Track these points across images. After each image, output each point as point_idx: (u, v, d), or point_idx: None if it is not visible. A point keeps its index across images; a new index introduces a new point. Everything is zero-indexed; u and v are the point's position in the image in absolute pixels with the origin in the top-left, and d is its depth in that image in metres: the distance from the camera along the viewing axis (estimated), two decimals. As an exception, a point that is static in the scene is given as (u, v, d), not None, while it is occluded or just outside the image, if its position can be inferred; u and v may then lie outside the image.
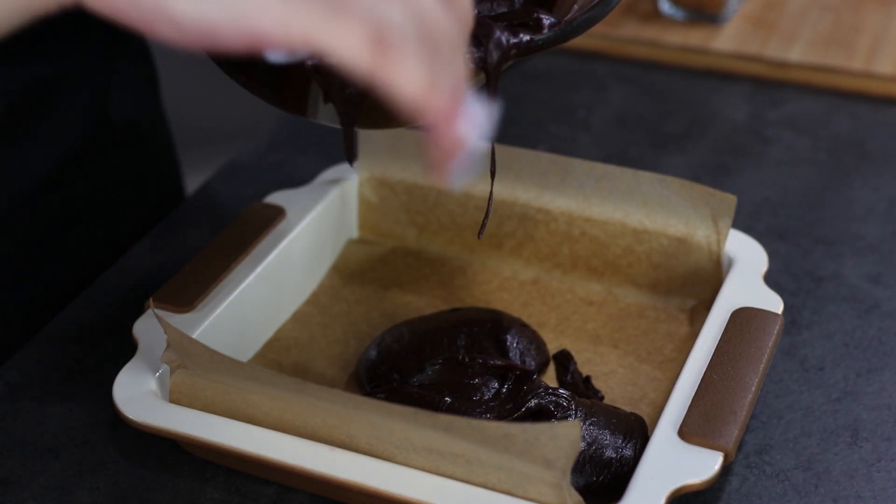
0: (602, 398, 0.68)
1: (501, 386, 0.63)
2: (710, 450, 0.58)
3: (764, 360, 0.64)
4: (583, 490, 0.59)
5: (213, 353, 0.59)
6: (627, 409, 0.65)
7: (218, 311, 0.68)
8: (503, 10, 0.68)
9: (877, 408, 0.68)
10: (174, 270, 0.71)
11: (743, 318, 0.66)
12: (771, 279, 0.73)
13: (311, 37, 0.47)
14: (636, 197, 0.74)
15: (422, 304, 0.76)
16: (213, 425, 0.61)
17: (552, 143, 0.91)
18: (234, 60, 0.62)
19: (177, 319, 0.67)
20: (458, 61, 0.51)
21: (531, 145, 0.87)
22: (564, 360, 0.70)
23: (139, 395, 0.63)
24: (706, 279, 0.73)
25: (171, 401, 0.63)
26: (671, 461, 0.58)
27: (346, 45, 0.47)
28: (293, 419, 0.60)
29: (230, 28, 0.47)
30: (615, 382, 0.69)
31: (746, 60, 1.01)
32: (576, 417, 0.62)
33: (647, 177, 0.73)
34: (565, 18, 0.64)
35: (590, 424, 0.62)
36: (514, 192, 0.76)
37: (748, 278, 0.70)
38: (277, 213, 0.75)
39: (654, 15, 1.06)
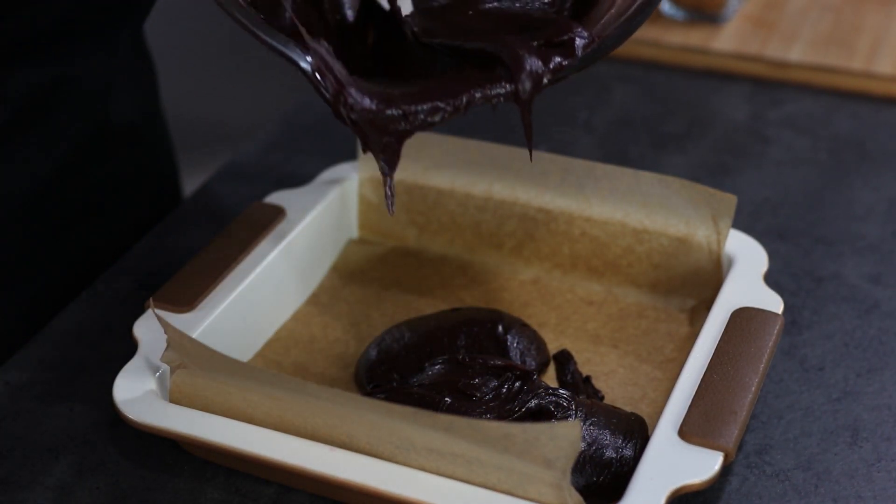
0: (602, 398, 0.68)
1: (501, 386, 0.63)
2: (711, 450, 0.58)
3: (764, 360, 0.64)
4: (583, 490, 0.59)
5: (214, 353, 0.59)
6: (627, 409, 0.65)
7: (218, 311, 0.68)
8: (538, 5, 0.67)
9: (877, 408, 0.68)
10: (174, 270, 0.71)
11: (743, 318, 0.66)
12: (771, 279, 0.73)
13: None
14: (636, 197, 0.74)
15: (422, 304, 0.76)
16: (213, 425, 0.61)
17: (553, 144, 0.91)
18: None
19: (177, 319, 0.67)
20: None
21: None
22: (564, 360, 0.70)
23: (139, 395, 0.63)
24: (706, 279, 0.73)
25: (172, 401, 0.63)
26: (671, 461, 0.58)
27: None
28: (293, 419, 0.60)
29: None
30: (615, 382, 0.69)
31: (746, 60, 1.01)
32: (576, 417, 0.62)
33: (647, 177, 0.73)
34: (599, 34, 0.63)
35: (590, 424, 0.62)
36: (514, 192, 0.76)
37: (748, 278, 0.70)
38: (277, 213, 0.75)
39: (655, 15, 1.06)
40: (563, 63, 0.62)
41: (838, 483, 0.63)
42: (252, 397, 0.60)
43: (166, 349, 0.62)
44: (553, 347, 0.71)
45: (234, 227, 0.74)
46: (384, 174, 0.62)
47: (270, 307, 0.73)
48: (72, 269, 0.81)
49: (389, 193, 0.63)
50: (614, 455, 0.61)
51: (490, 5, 0.67)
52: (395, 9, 0.68)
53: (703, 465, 0.58)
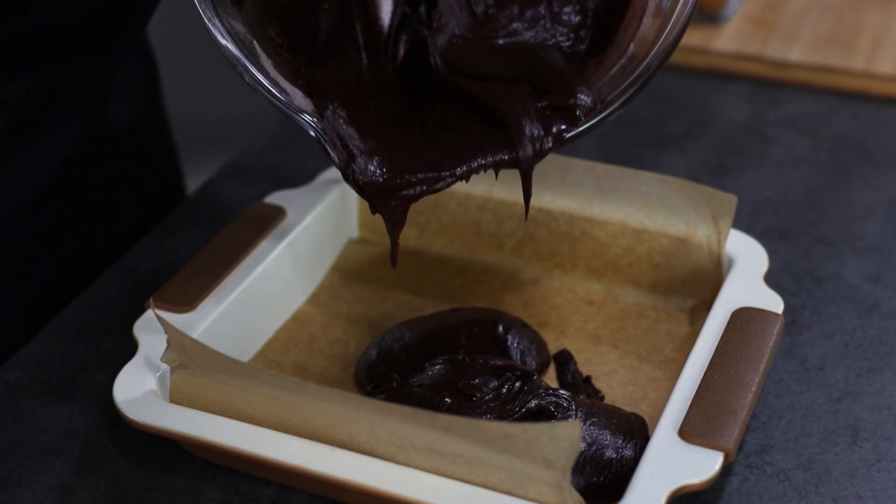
0: (602, 398, 0.68)
1: (502, 386, 0.63)
2: (711, 450, 0.58)
3: (764, 360, 0.64)
4: (583, 490, 0.59)
5: (214, 353, 0.59)
6: (628, 409, 0.65)
7: (218, 311, 0.68)
8: (550, 39, 0.69)
9: (877, 408, 0.68)
10: (174, 270, 0.71)
11: (743, 318, 0.66)
12: (771, 279, 0.73)
13: None
14: (636, 197, 0.74)
15: (422, 304, 0.76)
16: (213, 425, 0.61)
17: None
18: None
19: (177, 319, 0.67)
20: None
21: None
22: (565, 361, 0.70)
23: (139, 395, 0.63)
24: (706, 279, 0.73)
25: (172, 401, 0.63)
26: (671, 461, 0.58)
27: None
28: (293, 419, 0.60)
29: None
30: (615, 382, 0.69)
31: (747, 60, 1.01)
32: (576, 418, 0.62)
33: (647, 177, 0.73)
34: (603, 96, 0.65)
35: (590, 425, 0.62)
36: (515, 192, 0.76)
37: (748, 278, 0.70)
38: (277, 213, 0.75)
39: (655, 15, 1.06)
40: (564, 131, 0.65)
41: (838, 483, 0.63)
42: (252, 397, 0.60)
43: (166, 349, 0.62)
44: (553, 347, 0.71)
45: (235, 227, 0.74)
46: (390, 234, 0.66)
47: (271, 307, 0.73)
48: (72, 269, 0.81)
49: (394, 250, 0.66)
50: (614, 455, 0.61)
51: (507, 40, 0.69)
52: (428, 39, 0.69)
53: (703, 465, 0.58)
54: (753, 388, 0.62)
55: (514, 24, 0.70)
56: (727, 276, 0.71)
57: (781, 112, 0.96)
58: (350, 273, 0.78)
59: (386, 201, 0.65)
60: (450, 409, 0.62)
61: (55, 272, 0.81)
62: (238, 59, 0.65)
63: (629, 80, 0.65)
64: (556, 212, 0.76)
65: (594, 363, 0.71)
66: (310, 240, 0.76)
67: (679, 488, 0.57)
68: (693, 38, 1.03)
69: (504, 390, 0.63)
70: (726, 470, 0.63)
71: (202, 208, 0.86)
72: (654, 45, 0.65)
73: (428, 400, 0.63)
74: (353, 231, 0.81)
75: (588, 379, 0.69)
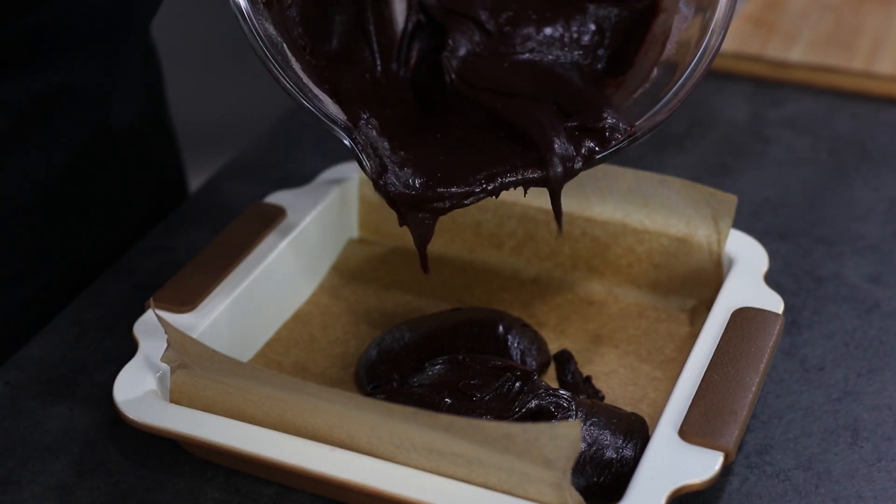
0: (602, 398, 0.68)
1: (502, 386, 0.63)
2: (711, 450, 0.58)
3: (764, 360, 0.64)
4: (583, 491, 0.59)
5: (214, 353, 0.59)
6: (628, 409, 0.65)
7: (218, 311, 0.68)
8: (568, 57, 0.69)
9: (877, 408, 0.68)
10: (174, 270, 0.71)
11: (743, 318, 0.66)
12: (771, 279, 0.73)
13: None
14: (637, 197, 0.74)
15: (422, 304, 0.75)
16: (213, 425, 0.61)
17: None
18: None
19: (177, 319, 0.67)
20: None
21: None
22: (565, 361, 0.70)
23: (139, 395, 0.63)
24: (707, 279, 0.73)
25: (172, 401, 0.63)
26: (671, 461, 0.58)
27: None
28: (293, 419, 0.60)
29: None
30: (616, 382, 0.69)
31: (747, 60, 1.01)
32: (576, 418, 0.62)
33: (647, 177, 0.73)
34: (630, 120, 0.65)
35: (590, 425, 0.62)
36: (515, 191, 0.76)
37: (749, 278, 0.70)
38: (277, 213, 0.75)
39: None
40: (595, 152, 0.65)
41: (839, 483, 0.63)
42: (252, 397, 0.60)
43: (166, 349, 0.62)
44: (553, 347, 0.71)
45: (235, 226, 0.74)
46: (418, 246, 0.66)
47: (271, 307, 0.73)
48: (72, 269, 0.81)
49: (423, 260, 0.66)
50: (615, 455, 0.61)
51: (525, 56, 0.69)
52: (442, 59, 0.70)
53: (703, 465, 0.58)
54: (753, 388, 0.62)
55: (531, 43, 0.70)
56: (727, 276, 0.71)
57: (781, 112, 0.96)
58: (350, 273, 0.78)
59: (415, 213, 0.65)
60: (450, 410, 0.62)
61: (55, 272, 0.81)
62: (273, 65, 0.65)
63: (657, 107, 0.65)
64: (557, 212, 0.76)
65: (594, 363, 0.71)
66: (310, 240, 0.76)
67: (679, 488, 0.57)
68: (693, 38, 1.03)
69: (504, 390, 0.63)
70: (726, 470, 0.63)
71: (202, 208, 0.86)
72: (681, 74, 0.65)
73: (428, 400, 0.62)
74: (353, 231, 0.81)
75: (588, 379, 0.69)
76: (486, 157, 0.66)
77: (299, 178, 0.83)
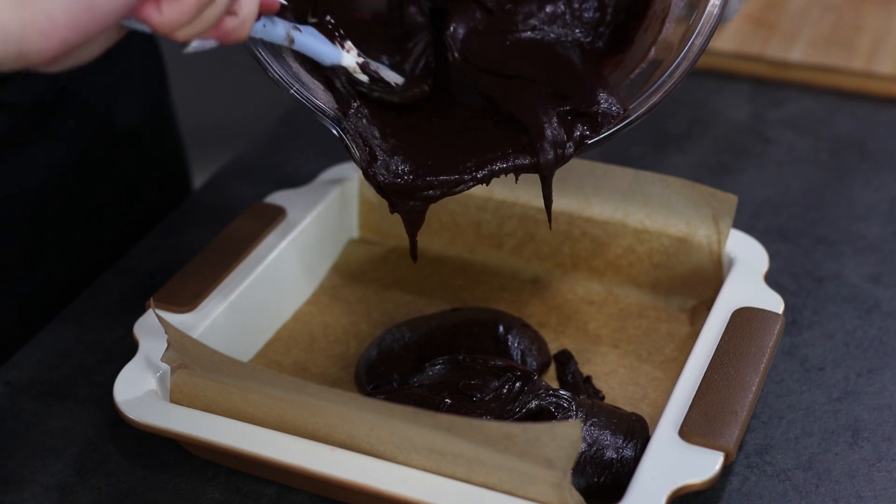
0: (603, 398, 0.68)
1: (502, 387, 0.63)
2: (711, 450, 0.58)
3: (765, 360, 0.64)
4: (584, 490, 0.59)
5: (214, 353, 0.59)
6: (628, 409, 0.65)
7: (218, 311, 0.68)
8: (569, 35, 0.68)
9: (877, 408, 0.68)
10: (174, 270, 0.71)
11: (744, 318, 0.66)
12: (772, 279, 0.73)
13: None
14: (637, 197, 0.74)
15: (422, 304, 0.75)
16: (213, 425, 0.61)
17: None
18: None
19: (177, 319, 0.67)
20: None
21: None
22: (565, 361, 0.70)
23: (140, 395, 0.63)
24: (707, 279, 0.73)
25: (172, 401, 0.63)
26: (672, 461, 0.58)
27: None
28: (294, 419, 0.60)
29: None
30: (616, 382, 0.69)
31: (747, 60, 1.01)
32: (577, 418, 0.62)
33: (647, 176, 0.73)
34: (625, 101, 0.65)
35: (590, 425, 0.62)
36: (515, 191, 0.76)
37: (749, 278, 0.70)
38: (278, 213, 0.75)
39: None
40: (587, 137, 0.65)
41: (839, 483, 0.63)
42: (253, 397, 0.60)
43: (167, 349, 0.62)
44: (553, 347, 0.71)
45: (235, 226, 0.74)
46: (409, 234, 0.66)
47: (271, 307, 0.73)
48: (73, 269, 0.81)
49: (413, 248, 0.67)
50: (615, 455, 0.61)
51: (526, 34, 0.69)
52: (445, 36, 0.69)
53: (703, 464, 0.58)
54: (754, 388, 0.62)
55: (533, 20, 0.70)
56: (728, 276, 0.71)
57: (782, 112, 0.96)
58: (350, 273, 0.78)
59: (405, 202, 0.65)
60: (450, 410, 0.62)
61: (56, 272, 0.81)
62: (262, 56, 0.65)
63: (652, 88, 0.65)
64: (556, 212, 0.76)
65: (594, 363, 0.71)
66: (310, 240, 0.76)
67: (679, 488, 0.57)
68: (693, 38, 1.03)
69: (504, 391, 0.63)
70: (727, 470, 0.63)
71: (202, 208, 0.85)
72: (678, 54, 0.65)
73: (428, 400, 0.62)
74: (354, 231, 0.81)
75: (588, 379, 0.69)
76: (477, 144, 0.66)
77: (299, 178, 0.83)
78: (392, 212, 0.65)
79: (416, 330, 0.71)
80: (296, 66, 0.66)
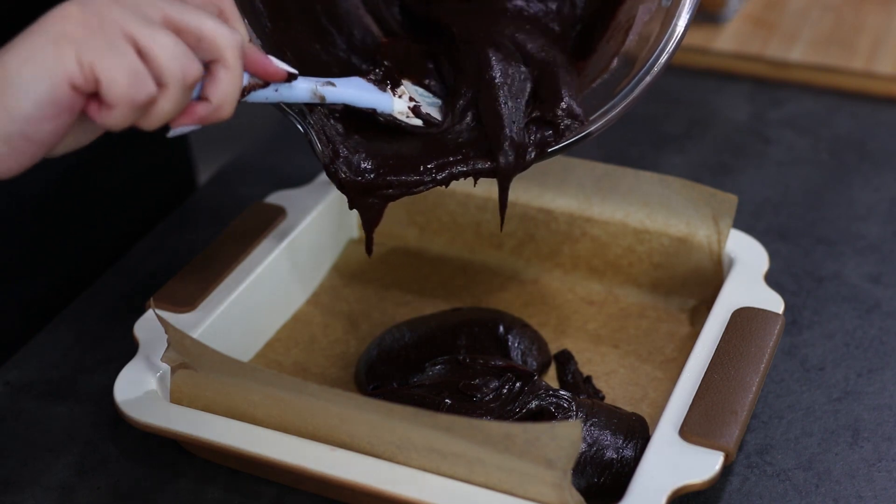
0: (603, 398, 0.68)
1: (502, 387, 0.63)
2: (711, 450, 0.58)
3: (765, 360, 0.64)
4: (584, 491, 0.59)
5: (214, 353, 0.59)
6: (628, 409, 0.65)
7: (219, 311, 0.68)
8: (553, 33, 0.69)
9: (877, 408, 0.68)
10: (174, 270, 0.71)
11: (744, 318, 0.66)
12: (772, 279, 0.73)
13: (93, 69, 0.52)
14: (637, 197, 0.74)
15: (422, 304, 0.75)
16: (214, 425, 0.61)
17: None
18: None
19: (177, 319, 0.67)
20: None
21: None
22: (565, 361, 0.70)
23: (140, 395, 0.63)
24: (707, 279, 0.73)
25: (172, 401, 0.63)
26: (672, 461, 0.58)
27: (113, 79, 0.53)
28: (294, 419, 0.60)
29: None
30: (616, 382, 0.69)
31: (747, 60, 1.01)
32: (577, 418, 0.62)
33: (647, 177, 0.73)
34: (587, 113, 0.65)
35: (591, 425, 0.62)
36: (515, 191, 0.76)
37: (749, 278, 0.70)
38: (278, 213, 0.75)
39: (655, 15, 1.06)
40: (548, 145, 0.65)
41: (839, 483, 0.63)
42: (253, 397, 0.60)
43: (167, 349, 0.62)
44: (553, 347, 0.71)
45: (235, 227, 0.74)
46: (366, 230, 0.66)
47: (271, 307, 0.73)
48: (73, 269, 0.81)
49: (368, 244, 0.67)
50: (615, 455, 0.61)
51: (511, 5, 0.69)
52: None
53: (703, 464, 0.58)
54: (754, 388, 0.62)
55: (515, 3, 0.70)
56: (728, 276, 0.71)
57: (782, 112, 0.96)
58: (350, 273, 0.78)
59: (364, 199, 0.65)
60: (450, 410, 0.62)
61: (56, 272, 0.81)
62: None
63: (612, 102, 0.65)
64: (556, 212, 0.76)
65: (595, 363, 0.71)
66: (310, 240, 0.76)
67: (680, 488, 0.57)
68: (693, 37, 1.03)
69: (504, 391, 0.63)
70: (727, 470, 0.63)
71: (202, 208, 0.86)
72: (638, 70, 0.65)
73: (428, 400, 0.62)
74: (353, 231, 0.81)
75: (588, 379, 0.69)
76: (440, 145, 0.66)
77: (299, 178, 0.83)
78: (351, 208, 0.65)
79: (416, 330, 0.71)
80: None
